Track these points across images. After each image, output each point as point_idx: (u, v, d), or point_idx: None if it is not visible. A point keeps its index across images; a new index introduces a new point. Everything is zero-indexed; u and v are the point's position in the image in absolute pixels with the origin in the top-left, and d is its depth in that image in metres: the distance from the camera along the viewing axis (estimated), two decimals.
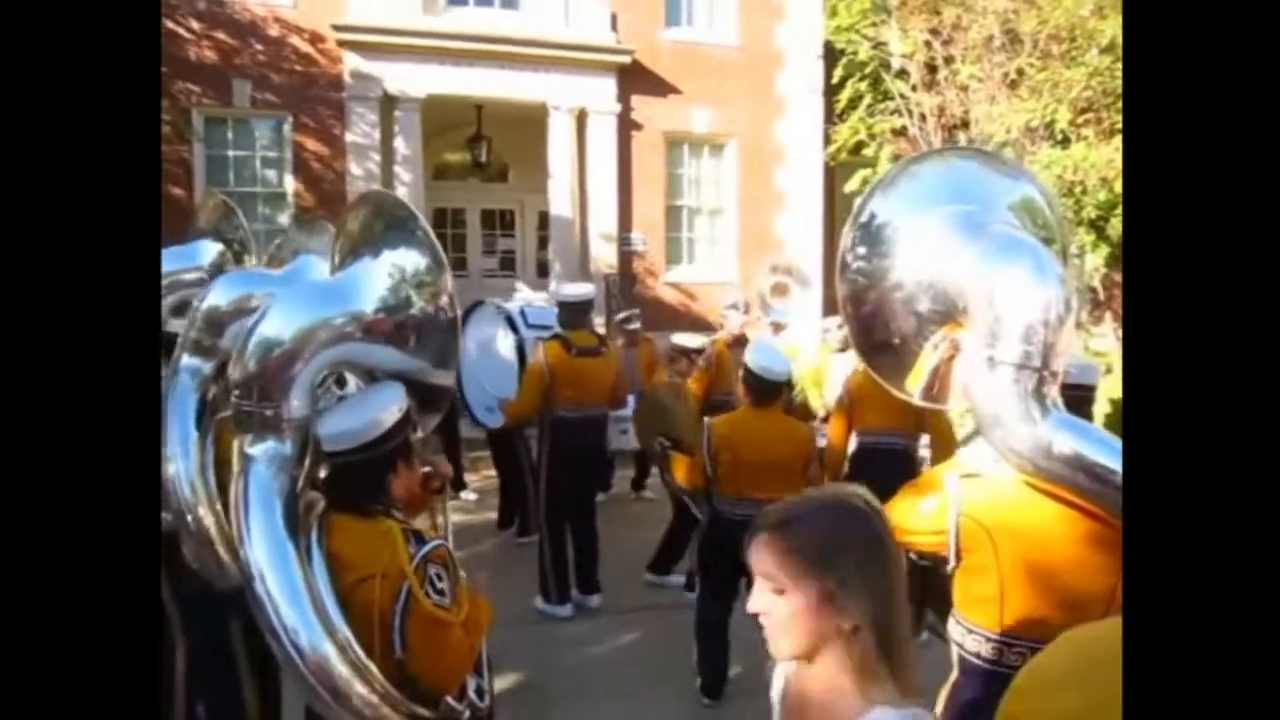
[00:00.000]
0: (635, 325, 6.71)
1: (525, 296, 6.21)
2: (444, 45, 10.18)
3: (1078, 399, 2.02)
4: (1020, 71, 9.79)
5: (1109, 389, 8.13)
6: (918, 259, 2.04)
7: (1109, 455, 1.77)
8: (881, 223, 2.11)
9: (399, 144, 10.33)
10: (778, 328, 6.56)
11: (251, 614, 2.57)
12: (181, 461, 2.50)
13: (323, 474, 2.06)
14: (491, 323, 5.55)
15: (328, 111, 10.31)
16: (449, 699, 1.93)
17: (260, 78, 10.05)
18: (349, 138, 10.27)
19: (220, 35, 9.87)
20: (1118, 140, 8.75)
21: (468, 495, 6.88)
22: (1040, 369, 1.80)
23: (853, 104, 11.16)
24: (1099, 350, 9.26)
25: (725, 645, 3.88)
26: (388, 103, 10.31)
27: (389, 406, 1.97)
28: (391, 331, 2.03)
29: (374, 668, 1.82)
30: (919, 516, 2.08)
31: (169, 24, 9.51)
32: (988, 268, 1.90)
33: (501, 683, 3.32)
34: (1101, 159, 8.43)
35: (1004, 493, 1.95)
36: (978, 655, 1.98)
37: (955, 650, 2.06)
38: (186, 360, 2.64)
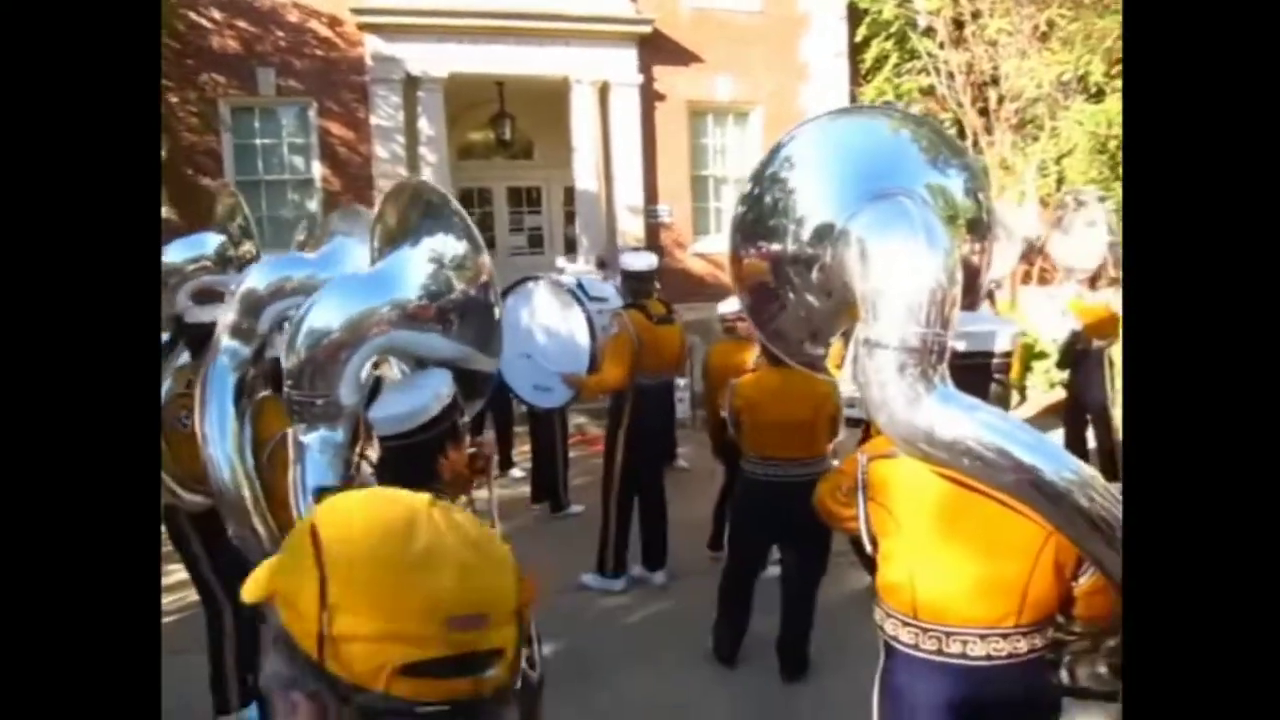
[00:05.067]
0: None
1: (574, 269, 6.08)
2: (463, 24, 10.16)
3: (975, 368, 1.87)
4: (1051, 23, 9.54)
5: None
6: (813, 219, 1.88)
7: (993, 435, 1.66)
8: (781, 174, 1.95)
9: (423, 125, 10.36)
10: None
11: None
12: (219, 442, 2.58)
13: (374, 456, 2.14)
14: (545, 298, 5.40)
15: (351, 95, 10.36)
16: None
17: (283, 65, 10.12)
18: (373, 121, 10.32)
19: (242, 24, 9.94)
20: None
21: (515, 473, 6.97)
22: (921, 349, 1.66)
23: (878, 64, 10.96)
24: None
25: (746, 609, 3.92)
26: (410, 84, 10.33)
27: (437, 392, 2.03)
28: (435, 317, 2.09)
29: None
30: (837, 500, 2.06)
31: (192, 15, 9.60)
32: (865, 238, 1.76)
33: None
34: None
35: (909, 476, 1.86)
36: (896, 639, 1.93)
37: (880, 635, 2.01)
38: (226, 343, 2.72)
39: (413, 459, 2.01)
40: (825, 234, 1.85)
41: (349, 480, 2.07)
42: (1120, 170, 8.09)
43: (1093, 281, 6.21)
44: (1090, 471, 1.69)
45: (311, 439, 2.03)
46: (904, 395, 1.68)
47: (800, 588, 3.79)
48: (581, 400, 5.92)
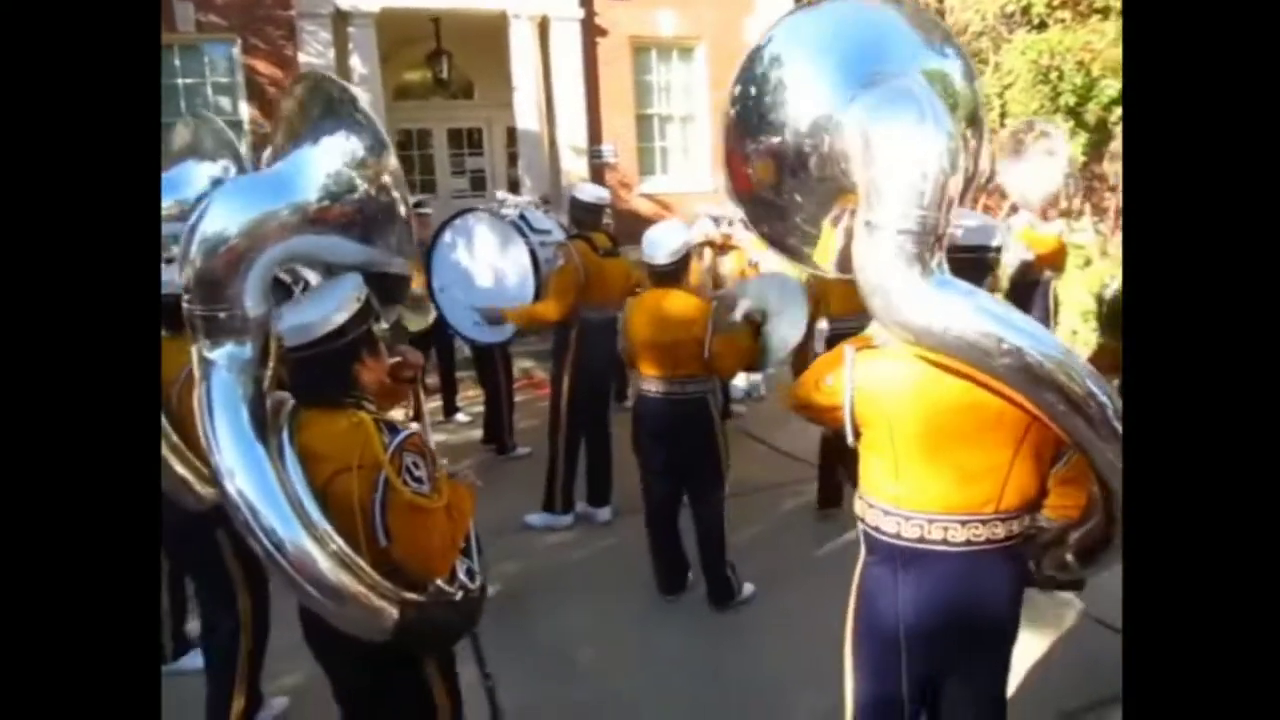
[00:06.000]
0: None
1: (515, 201, 5.91)
2: None
3: (972, 262, 1.88)
4: None
5: (1088, 282, 8.07)
6: (803, 118, 1.86)
7: (989, 322, 1.68)
8: (767, 73, 1.91)
9: (355, 63, 9.94)
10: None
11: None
12: None
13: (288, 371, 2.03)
14: (485, 232, 5.24)
15: (278, 32, 9.88)
16: (439, 582, 1.96)
17: None
18: (302, 59, 9.87)
19: None
20: (1094, 22, 8.50)
21: (460, 418, 6.87)
22: (921, 231, 1.67)
23: None
24: (1077, 244, 9.16)
25: (674, 542, 3.93)
26: (340, 19, 9.88)
27: (347, 297, 1.94)
28: (338, 218, 1.96)
29: (359, 559, 1.83)
30: (821, 391, 2.04)
31: None
32: (867, 123, 1.73)
33: None
34: (1078, 42, 8.19)
35: (899, 366, 1.89)
36: (878, 529, 1.96)
37: (860, 526, 2.03)
38: None
39: (327, 369, 1.92)
40: (823, 125, 1.83)
41: (261, 399, 1.94)
42: (1061, 101, 8.13)
43: (1044, 212, 6.22)
44: (1073, 353, 1.72)
45: (217, 355, 1.88)
46: (901, 277, 1.69)
47: (700, 511, 3.83)
48: (524, 337, 5.81)
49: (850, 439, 1.98)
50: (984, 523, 1.86)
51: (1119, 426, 1.63)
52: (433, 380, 6.82)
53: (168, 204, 2.57)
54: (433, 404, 6.92)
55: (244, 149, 9.60)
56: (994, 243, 1.96)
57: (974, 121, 2.00)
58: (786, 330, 3.71)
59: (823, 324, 4.64)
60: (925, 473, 1.88)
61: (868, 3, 1.98)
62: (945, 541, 1.87)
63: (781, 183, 1.96)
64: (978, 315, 1.68)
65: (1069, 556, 1.94)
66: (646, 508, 3.96)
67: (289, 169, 1.97)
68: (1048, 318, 6.11)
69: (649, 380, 3.82)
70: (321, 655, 2.07)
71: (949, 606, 1.88)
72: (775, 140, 1.90)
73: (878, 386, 1.92)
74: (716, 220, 6.46)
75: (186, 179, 2.63)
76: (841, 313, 4.39)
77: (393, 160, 1.99)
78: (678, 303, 3.72)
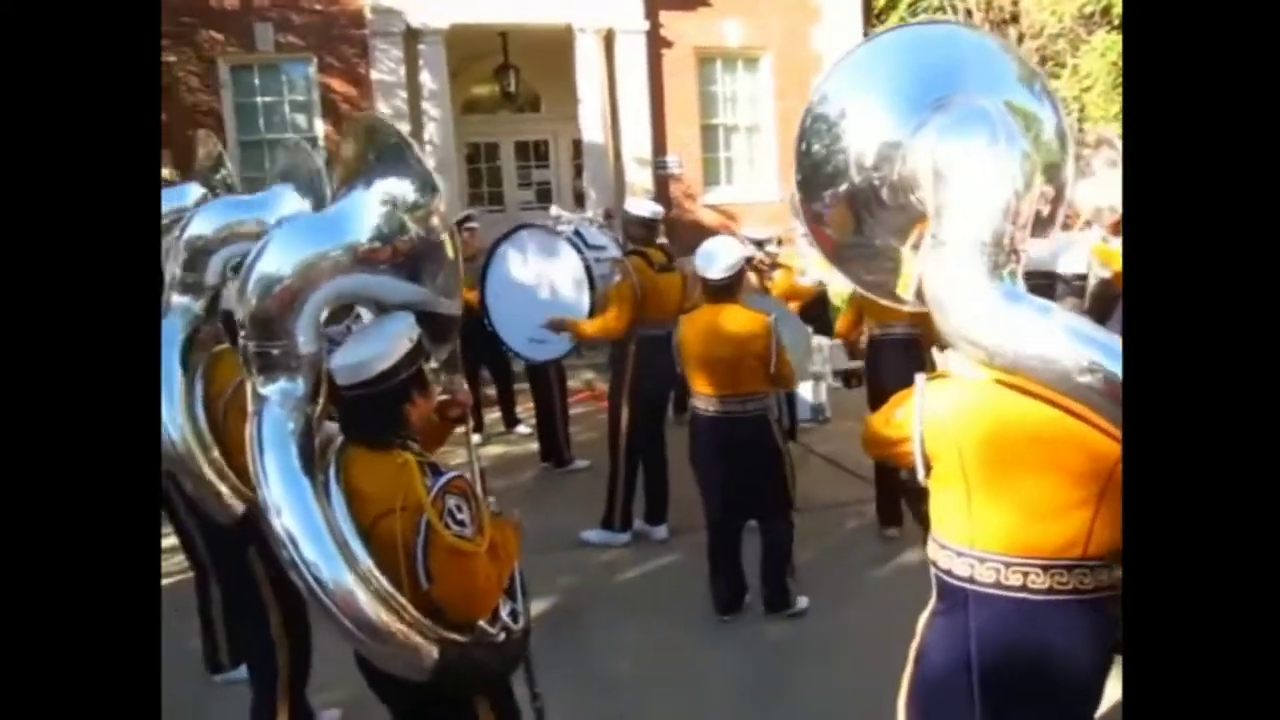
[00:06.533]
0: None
1: (569, 217, 5.94)
2: None
3: (1033, 289, 1.75)
4: None
5: None
6: (867, 152, 1.82)
7: (1067, 337, 1.56)
8: (832, 104, 1.89)
9: (425, 79, 10.16)
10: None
11: (265, 539, 2.62)
12: (166, 405, 2.51)
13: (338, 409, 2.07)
14: (539, 247, 5.25)
15: (351, 50, 10.17)
16: (481, 623, 1.95)
17: (282, 20, 9.93)
18: (374, 76, 10.13)
19: None
20: None
21: (521, 429, 6.89)
22: (990, 243, 1.60)
23: (893, 3, 10.61)
24: None
25: (735, 561, 3.86)
26: (411, 37, 10.12)
27: (399, 336, 1.97)
28: (388, 259, 2.02)
29: (401, 598, 1.84)
30: (890, 425, 1.91)
31: None
32: (937, 145, 1.69)
33: (537, 606, 3.33)
34: None
35: (973, 393, 1.75)
36: (950, 573, 1.79)
37: (932, 570, 1.88)
38: (176, 299, 2.63)
39: (376, 408, 1.94)
40: (888, 154, 1.80)
41: (310, 435, 1.98)
42: None
43: (1115, 226, 5.93)
44: None
45: (270, 390, 1.94)
46: (971, 292, 1.62)
47: (769, 535, 3.77)
48: (582, 350, 5.79)
49: (922, 475, 1.84)
50: (1069, 569, 1.68)
51: None
52: (491, 392, 6.86)
53: (252, 221, 2.67)
54: (493, 415, 6.97)
55: (320, 164, 9.85)
56: (1060, 269, 1.83)
57: (1052, 175, 1.89)
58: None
59: (864, 335, 4.64)
60: (1000, 505, 1.72)
61: (958, 30, 1.97)
62: (1025, 588, 1.69)
63: (862, 223, 1.92)
64: (1053, 329, 1.58)
65: None
66: (711, 530, 3.89)
67: (342, 211, 2.05)
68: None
69: (703, 398, 3.76)
70: (372, 684, 2.07)
71: (1026, 662, 1.71)
72: (843, 187, 1.88)
73: (946, 412, 1.78)
74: (761, 243, 6.33)
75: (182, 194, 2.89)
76: (881, 320, 4.41)
77: (441, 202, 2.05)
78: (736, 318, 3.66)
